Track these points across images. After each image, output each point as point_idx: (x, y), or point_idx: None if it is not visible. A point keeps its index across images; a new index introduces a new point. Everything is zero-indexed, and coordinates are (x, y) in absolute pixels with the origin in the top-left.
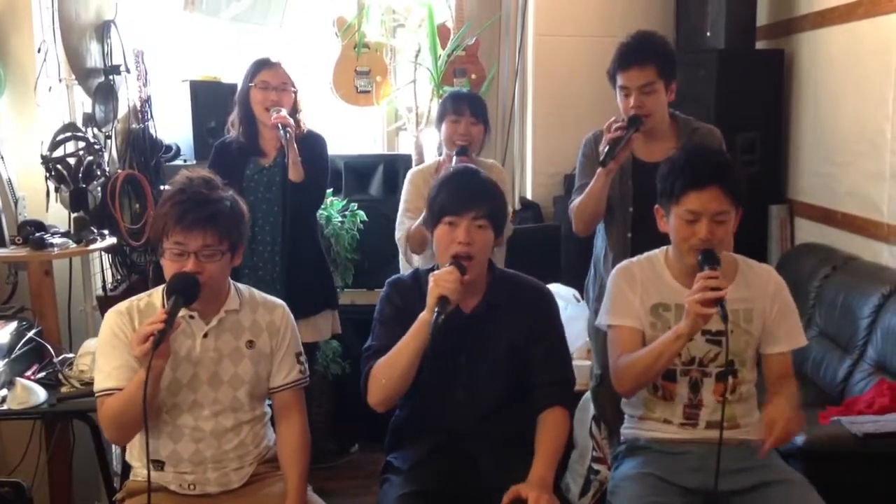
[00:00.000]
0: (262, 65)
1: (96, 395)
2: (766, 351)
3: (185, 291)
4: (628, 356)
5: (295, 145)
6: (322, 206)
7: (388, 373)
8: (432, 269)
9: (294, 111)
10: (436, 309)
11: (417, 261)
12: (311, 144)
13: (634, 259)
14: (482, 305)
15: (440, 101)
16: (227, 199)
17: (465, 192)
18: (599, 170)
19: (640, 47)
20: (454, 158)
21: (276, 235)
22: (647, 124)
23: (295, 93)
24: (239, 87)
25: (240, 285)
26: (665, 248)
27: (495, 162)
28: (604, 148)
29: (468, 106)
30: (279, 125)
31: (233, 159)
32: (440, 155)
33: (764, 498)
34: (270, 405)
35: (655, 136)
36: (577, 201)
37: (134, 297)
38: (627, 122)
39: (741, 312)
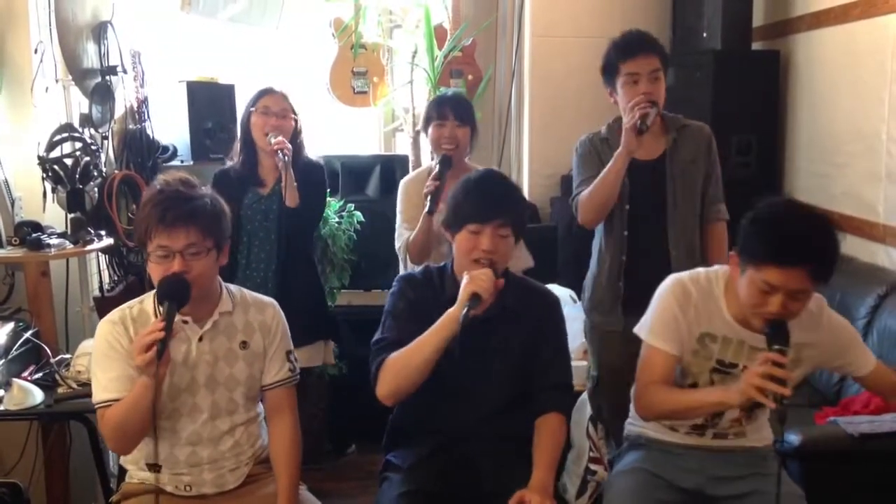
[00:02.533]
0: (265, 91)
1: (95, 406)
2: (858, 374)
3: (176, 295)
4: (662, 390)
5: (291, 171)
6: None
7: (405, 365)
8: (443, 268)
9: (294, 138)
10: (467, 303)
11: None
12: (309, 172)
13: (689, 275)
14: (495, 308)
15: (426, 105)
16: (207, 196)
17: (491, 200)
18: (617, 152)
19: (643, 37)
20: (437, 169)
21: (270, 263)
22: (654, 121)
23: (296, 121)
24: (241, 114)
25: (230, 286)
26: (727, 270)
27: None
28: (636, 121)
29: (451, 110)
30: (277, 150)
31: (232, 188)
32: (433, 159)
33: None
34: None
35: (648, 133)
36: (587, 191)
37: (125, 305)
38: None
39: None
